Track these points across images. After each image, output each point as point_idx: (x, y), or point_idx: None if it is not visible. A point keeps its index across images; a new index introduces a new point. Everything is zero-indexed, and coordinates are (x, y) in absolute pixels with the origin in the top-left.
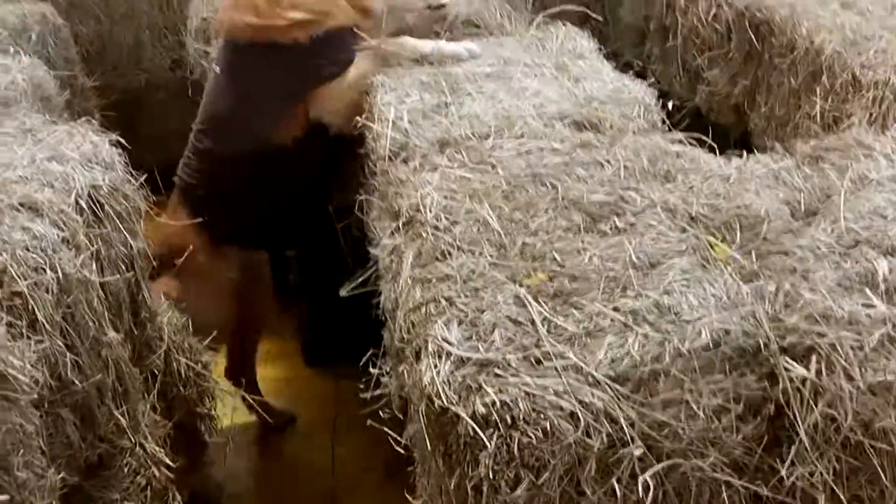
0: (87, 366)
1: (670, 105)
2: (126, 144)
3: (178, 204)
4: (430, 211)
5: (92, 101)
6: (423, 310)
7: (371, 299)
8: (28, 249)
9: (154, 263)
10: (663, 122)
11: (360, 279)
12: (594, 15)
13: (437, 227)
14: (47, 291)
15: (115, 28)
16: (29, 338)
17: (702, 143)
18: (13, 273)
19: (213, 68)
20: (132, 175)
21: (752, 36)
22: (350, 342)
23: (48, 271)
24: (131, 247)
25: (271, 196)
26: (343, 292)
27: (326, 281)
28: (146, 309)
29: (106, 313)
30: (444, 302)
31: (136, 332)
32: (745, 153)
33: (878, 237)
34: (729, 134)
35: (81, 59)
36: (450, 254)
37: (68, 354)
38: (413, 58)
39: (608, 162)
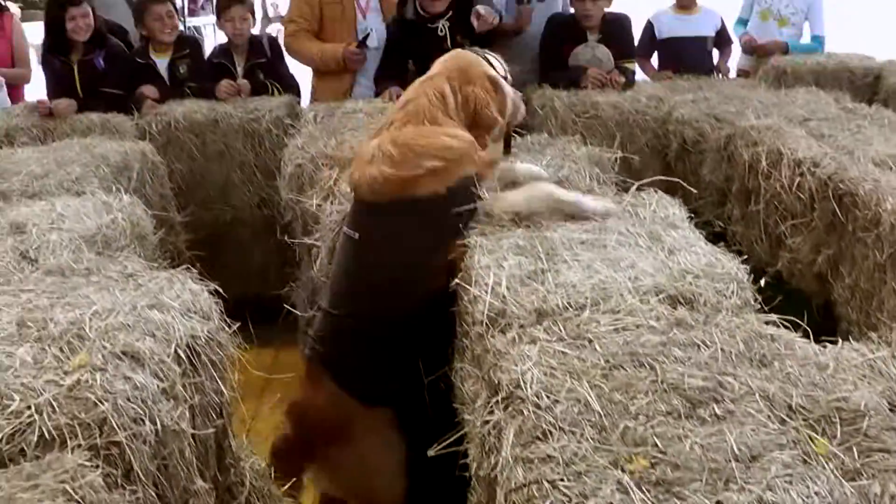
0: None
1: (762, 282)
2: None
3: (318, 376)
4: (531, 388)
5: (181, 236)
6: (526, 491)
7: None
8: (129, 400)
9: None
10: (755, 299)
11: (451, 440)
12: (687, 186)
13: (538, 406)
14: (145, 442)
15: (209, 165)
16: (123, 487)
17: (797, 326)
18: (113, 423)
19: (346, 232)
20: (227, 324)
21: (836, 207)
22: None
23: (147, 423)
24: (222, 394)
25: (425, 349)
26: (431, 452)
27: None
28: (231, 455)
29: (195, 462)
30: (547, 485)
31: (220, 479)
32: (838, 340)
33: None
34: (811, 301)
35: (174, 195)
36: (551, 434)
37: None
38: (551, 207)
39: (704, 343)
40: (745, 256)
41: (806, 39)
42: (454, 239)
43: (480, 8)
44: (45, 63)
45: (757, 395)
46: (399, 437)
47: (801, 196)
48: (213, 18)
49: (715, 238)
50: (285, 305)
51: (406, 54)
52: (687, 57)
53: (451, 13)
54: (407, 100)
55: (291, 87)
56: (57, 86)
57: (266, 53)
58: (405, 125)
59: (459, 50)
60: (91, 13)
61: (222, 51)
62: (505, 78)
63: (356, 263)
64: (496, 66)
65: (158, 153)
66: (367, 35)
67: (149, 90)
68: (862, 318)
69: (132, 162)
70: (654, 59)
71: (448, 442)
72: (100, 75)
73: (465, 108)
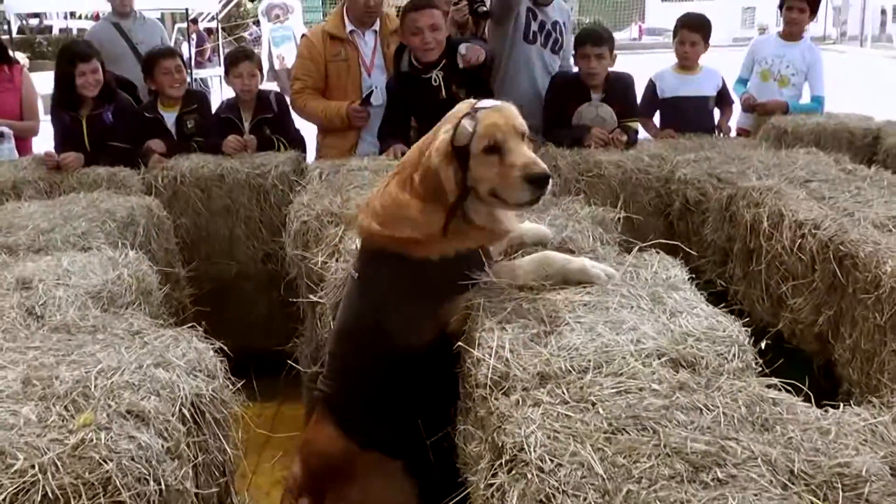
0: None
1: (762, 344)
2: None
3: (322, 415)
4: (535, 451)
5: (186, 290)
6: None
7: None
8: (133, 459)
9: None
10: (756, 361)
11: (454, 501)
12: (686, 247)
13: (541, 469)
14: (148, 503)
15: (214, 220)
16: None
17: (798, 390)
18: (117, 483)
19: (350, 273)
20: (231, 382)
21: (837, 268)
22: None
23: (151, 482)
24: (225, 451)
25: (411, 400)
26: None
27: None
28: None
29: None
30: None
31: None
32: (840, 403)
33: None
34: (813, 361)
35: (179, 249)
36: (555, 497)
37: None
38: (559, 277)
39: (707, 407)
40: (747, 317)
41: (805, 99)
42: (445, 301)
43: (462, 47)
44: (54, 117)
45: (759, 459)
46: (405, 478)
47: (803, 257)
48: (219, 70)
49: (717, 297)
50: (288, 361)
51: (406, 108)
52: (688, 116)
53: (443, 62)
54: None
55: (297, 142)
56: (65, 139)
57: (273, 109)
58: (393, 179)
59: (463, 102)
60: (100, 68)
61: (229, 106)
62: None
63: (350, 303)
64: (462, 127)
65: (164, 207)
66: (371, 93)
67: (156, 144)
68: (863, 380)
69: (138, 217)
70: (657, 118)
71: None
72: (108, 129)
73: None
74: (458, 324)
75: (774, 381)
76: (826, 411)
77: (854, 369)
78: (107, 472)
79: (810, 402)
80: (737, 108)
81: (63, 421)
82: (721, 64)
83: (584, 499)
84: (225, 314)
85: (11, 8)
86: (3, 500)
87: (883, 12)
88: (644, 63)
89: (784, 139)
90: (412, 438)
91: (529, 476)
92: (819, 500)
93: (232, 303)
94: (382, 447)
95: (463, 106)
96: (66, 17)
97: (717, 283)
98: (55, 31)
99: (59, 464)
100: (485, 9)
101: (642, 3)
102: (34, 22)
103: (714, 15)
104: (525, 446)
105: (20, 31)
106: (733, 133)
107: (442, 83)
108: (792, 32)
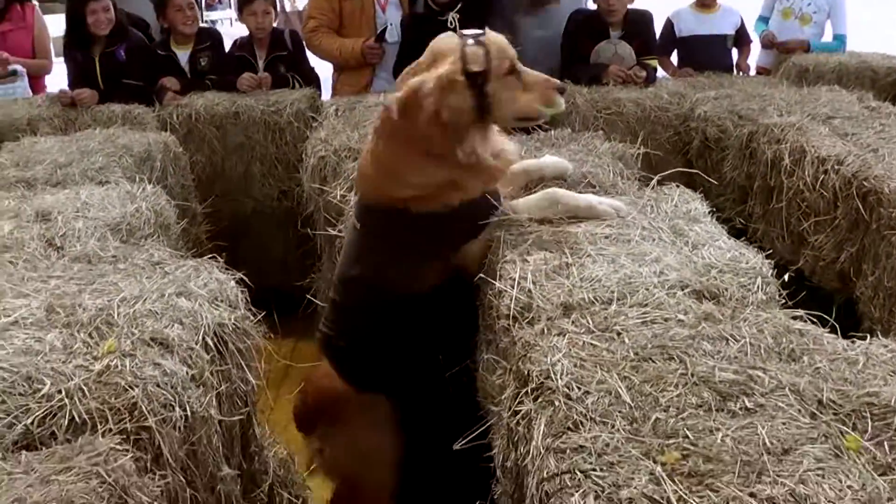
0: (203, 501)
1: (786, 277)
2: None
3: (321, 355)
4: (562, 379)
5: (202, 227)
6: (559, 480)
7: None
8: (159, 385)
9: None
10: (780, 293)
11: (476, 433)
12: (707, 178)
13: (568, 397)
14: (174, 428)
15: (229, 157)
16: (153, 472)
17: (825, 322)
18: (143, 408)
19: (353, 222)
20: (252, 313)
21: (860, 205)
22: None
23: (177, 408)
24: (248, 382)
25: (414, 344)
26: (457, 445)
27: (426, 427)
28: (255, 443)
29: (221, 449)
30: (580, 475)
31: (245, 466)
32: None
33: None
34: (834, 298)
35: (195, 186)
36: (583, 425)
37: (188, 490)
38: (564, 212)
39: (733, 337)
40: (768, 255)
41: (827, 38)
42: (456, 247)
43: None
44: (67, 56)
45: (787, 389)
46: (392, 427)
47: (825, 194)
48: (229, 13)
49: (736, 235)
50: (307, 296)
51: (420, 49)
52: (706, 55)
53: (459, 4)
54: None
55: (312, 80)
56: (78, 78)
57: (287, 47)
58: (381, 136)
59: (442, 36)
60: (112, 7)
61: (243, 44)
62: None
63: (352, 251)
64: (472, 53)
65: (179, 144)
66: (385, 29)
67: (170, 82)
68: (885, 317)
69: (155, 153)
70: (674, 57)
71: (474, 435)
72: (121, 67)
73: None
74: (478, 264)
75: (800, 312)
76: (853, 342)
77: (876, 307)
78: (132, 397)
79: (836, 334)
80: (756, 46)
81: (88, 348)
82: (748, 2)
83: (613, 426)
84: (241, 251)
85: None
86: (32, 423)
87: None
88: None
89: (805, 77)
90: (414, 380)
91: (557, 403)
92: (849, 429)
93: (248, 239)
94: (379, 389)
95: (448, 39)
96: None
97: (737, 221)
98: None
99: (85, 389)
100: None
101: None
102: None
103: None
104: (551, 374)
105: None
106: (752, 72)
107: (457, 24)
108: None
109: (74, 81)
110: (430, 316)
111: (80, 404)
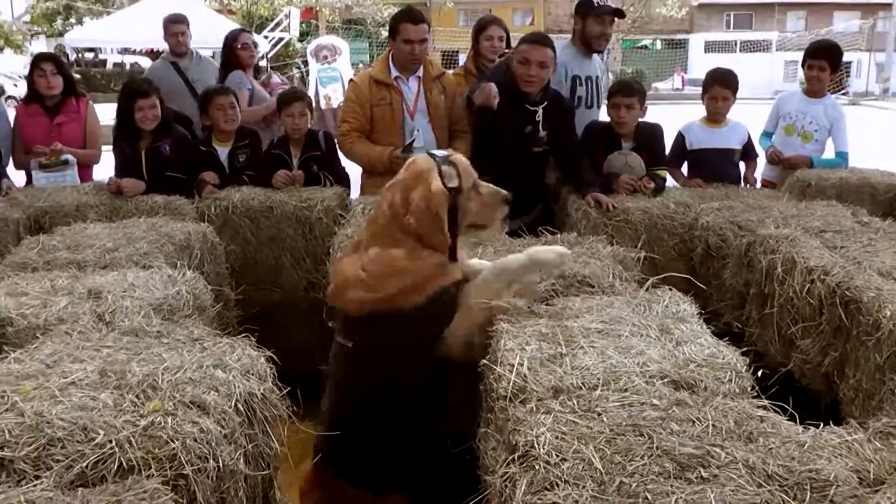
0: None
1: (759, 373)
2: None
3: (329, 478)
4: (543, 448)
5: (234, 311)
6: None
7: None
8: (196, 440)
9: None
10: (753, 387)
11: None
12: (698, 283)
13: (547, 462)
14: (208, 477)
15: (261, 249)
16: None
17: (785, 411)
18: (182, 458)
19: (340, 342)
20: (279, 387)
21: (842, 312)
22: None
23: (210, 460)
24: (271, 447)
25: (406, 437)
26: None
27: None
28: (274, 502)
29: (245, 501)
30: None
31: None
32: (821, 424)
33: None
34: (819, 400)
35: (228, 274)
36: (558, 485)
37: None
38: (513, 279)
39: (699, 420)
40: (762, 358)
41: (829, 155)
42: (440, 337)
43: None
44: (116, 147)
45: (740, 463)
46: None
47: (812, 301)
48: None
49: (734, 338)
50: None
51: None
52: (714, 167)
53: (546, 103)
54: (370, 219)
55: (342, 179)
56: (125, 169)
57: (321, 147)
58: (371, 247)
59: (417, 158)
60: (158, 104)
61: (280, 142)
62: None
63: (353, 370)
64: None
65: (216, 235)
66: (413, 140)
67: (210, 176)
68: (863, 416)
69: (194, 241)
70: (685, 168)
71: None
72: (165, 161)
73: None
74: (462, 347)
75: (765, 402)
76: (807, 428)
77: (857, 407)
78: (173, 449)
79: (795, 422)
80: (762, 160)
81: (135, 407)
82: (762, 116)
83: (583, 487)
84: (268, 337)
85: (70, 42)
86: (86, 466)
87: None
88: (686, 113)
89: (808, 192)
90: (428, 469)
91: (537, 467)
92: (790, 498)
93: (275, 327)
94: (398, 487)
95: (422, 161)
96: (120, 53)
97: (734, 326)
98: (109, 66)
99: (132, 440)
100: None
101: (685, 54)
102: (89, 56)
103: (757, 68)
104: (535, 444)
105: (76, 63)
106: (758, 185)
107: (541, 120)
108: (814, 90)
109: (121, 172)
110: (433, 405)
111: (128, 452)
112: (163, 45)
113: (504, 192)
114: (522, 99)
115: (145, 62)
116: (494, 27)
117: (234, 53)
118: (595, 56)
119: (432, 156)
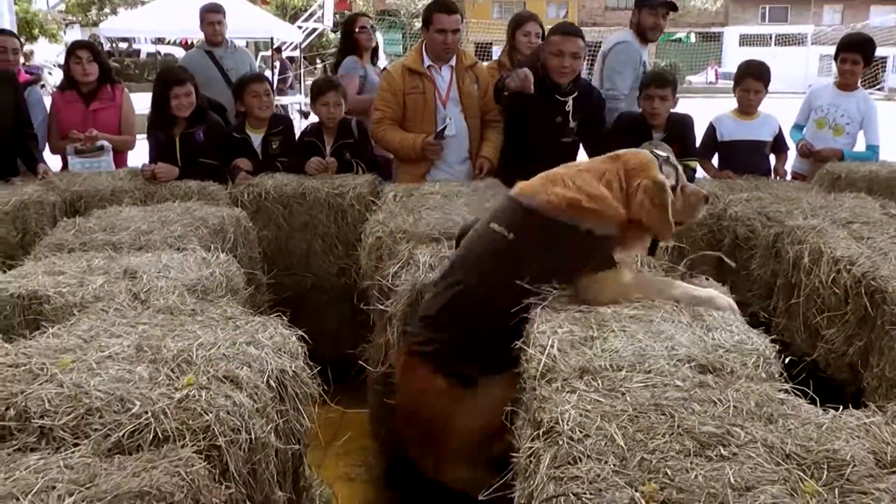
0: None
1: (786, 359)
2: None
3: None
4: (567, 424)
5: (265, 296)
6: (554, 502)
7: None
8: (229, 413)
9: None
10: (781, 374)
11: (499, 482)
12: (728, 261)
13: (571, 438)
14: (240, 448)
15: (294, 234)
16: (220, 483)
17: (806, 395)
18: (215, 430)
19: (496, 229)
20: (310, 366)
21: (867, 302)
22: None
23: (243, 432)
24: (301, 423)
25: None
26: (482, 496)
27: None
28: (304, 480)
29: (276, 475)
30: (572, 497)
31: (294, 497)
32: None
33: None
34: (844, 389)
35: (261, 259)
36: (580, 460)
37: (247, 502)
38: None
39: (720, 401)
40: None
41: (860, 148)
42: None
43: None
44: (150, 134)
45: (759, 443)
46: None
47: (837, 291)
48: (299, 98)
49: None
50: (359, 362)
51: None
52: (745, 159)
53: (577, 93)
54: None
55: (375, 167)
56: (159, 155)
57: (354, 135)
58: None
59: (637, 151)
60: (193, 91)
61: (313, 130)
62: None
63: (494, 262)
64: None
65: (249, 220)
66: (445, 127)
67: (243, 163)
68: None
69: (227, 226)
70: (715, 160)
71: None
72: (199, 147)
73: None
74: (592, 299)
75: (787, 386)
76: (826, 411)
77: (879, 396)
78: (206, 421)
79: (816, 405)
80: (792, 153)
81: (170, 380)
82: (796, 110)
83: (605, 462)
84: (299, 323)
85: (104, 32)
86: (123, 435)
87: None
88: (719, 107)
89: (837, 184)
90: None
91: (561, 443)
92: (807, 476)
93: (306, 312)
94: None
95: (644, 155)
96: (154, 43)
97: (761, 315)
98: (143, 56)
99: (167, 411)
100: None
101: (720, 47)
102: (123, 46)
103: (792, 62)
104: (560, 420)
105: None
106: (788, 177)
107: (572, 110)
108: (847, 83)
109: (156, 158)
110: None
111: (163, 423)
112: (196, 36)
113: (704, 191)
114: (553, 90)
115: (179, 53)
116: (532, 23)
117: (351, 37)
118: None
119: (654, 154)
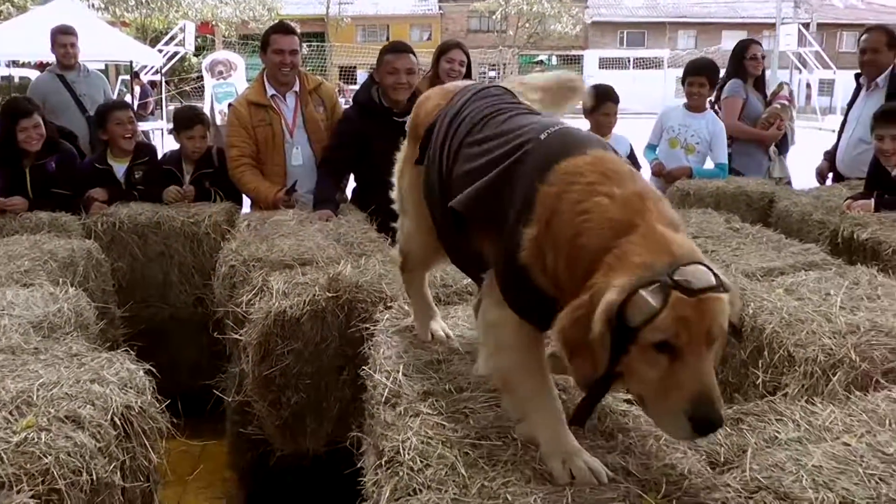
0: None
1: None
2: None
3: None
4: (408, 454)
5: (120, 329)
6: None
7: None
8: (69, 455)
9: None
10: None
11: None
12: None
13: (412, 468)
14: (81, 491)
15: (149, 265)
16: None
17: None
18: (55, 473)
19: None
20: (159, 400)
21: None
22: None
23: (84, 474)
24: (150, 459)
25: None
26: None
27: None
28: None
29: None
30: None
31: None
32: None
33: (775, 485)
34: None
35: (115, 292)
36: (420, 491)
37: None
38: None
39: None
40: None
41: (710, 166)
42: None
43: None
44: None
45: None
46: None
47: None
48: (161, 124)
49: None
50: (214, 391)
51: (360, 140)
52: None
53: None
54: None
55: (234, 195)
56: (8, 188)
57: (214, 164)
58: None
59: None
60: (42, 123)
61: (173, 157)
62: None
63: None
64: None
65: (102, 251)
66: (295, 183)
67: (97, 193)
68: None
69: (78, 258)
70: None
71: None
72: (50, 177)
73: None
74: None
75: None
76: None
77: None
78: (46, 464)
79: None
80: (645, 172)
81: (8, 423)
82: (637, 130)
83: (445, 491)
84: (157, 354)
85: None
86: None
87: (808, 86)
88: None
89: (687, 200)
90: None
91: (401, 473)
92: (646, 492)
93: (164, 344)
94: None
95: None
96: (7, 66)
97: None
98: None
99: (4, 457)
100: None
101: (580, 70)
102: None
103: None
104: (401, 450)
105: None
106: None
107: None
108: (696, 105)
109: (3, 192)
110: None
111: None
112: (51, 58)
113: (711, 410)
114: (391, 113)
115: (35, 75)
116: (457, 51)
117: (740, 63)
118: None
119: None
